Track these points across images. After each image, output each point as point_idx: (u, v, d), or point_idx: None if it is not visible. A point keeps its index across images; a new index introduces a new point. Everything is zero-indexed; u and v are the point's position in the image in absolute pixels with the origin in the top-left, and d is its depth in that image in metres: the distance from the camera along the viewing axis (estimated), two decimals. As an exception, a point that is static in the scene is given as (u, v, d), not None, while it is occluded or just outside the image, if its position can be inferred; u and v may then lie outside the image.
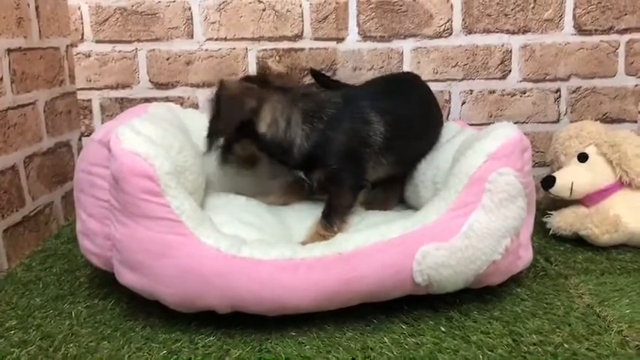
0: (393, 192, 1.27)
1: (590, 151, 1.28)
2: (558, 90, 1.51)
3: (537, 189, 1.09)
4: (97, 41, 1.47)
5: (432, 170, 1.14)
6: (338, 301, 0.90)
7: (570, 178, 1.26)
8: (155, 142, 0.91)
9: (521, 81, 1.51)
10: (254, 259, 0.87)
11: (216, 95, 1.07)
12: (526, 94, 1.51)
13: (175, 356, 0.84)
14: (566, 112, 1.53)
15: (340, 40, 1.48)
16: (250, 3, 1.46)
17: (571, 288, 1.04)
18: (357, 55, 1.49)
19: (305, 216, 1.15)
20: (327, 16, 1.47)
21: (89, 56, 1.48)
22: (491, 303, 0.98)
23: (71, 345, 0.87)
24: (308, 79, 1.42)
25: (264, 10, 1.46)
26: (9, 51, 1.18)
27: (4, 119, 1.16)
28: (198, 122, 1.27)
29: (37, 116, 1.29)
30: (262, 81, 1.12)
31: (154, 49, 1.48)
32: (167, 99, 1.48)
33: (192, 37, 1.47)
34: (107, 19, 1.46)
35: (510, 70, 1.50)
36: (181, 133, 1.06)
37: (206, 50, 1.48)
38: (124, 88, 1.50)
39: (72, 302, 1.01)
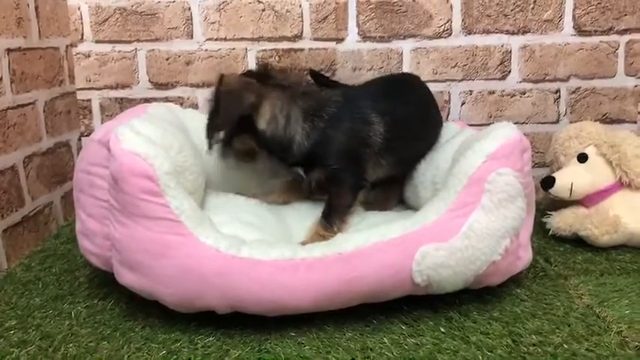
0: (392, 192, 1.27)
1: (590, 151, 1.28)
2: (558, 90, 1.52)
3: (537, 189, 1.09)
4: (97, 41, 1.47)
5: (432, 171, 1.14)
6: (338, 302, 0.90)
7: (570, 178, 1.26)
8: (155, 142, 0.91)
9: (520, 81, 1.51)
10: (254, 259, 0.87)
11: (216, 90, 1.07)
12: (526, 95, 1.51)
13: (175, 356, 0.84)
14: (566, 112, 1.53)
15: (340, 40, 1.48)
16: (250, 3, 1.46)
17: (571, 288, 1.04)
18: (356, 56, 1.49)
19: (305, 216, 1.15)
20: (326, 17, 1.47)
21: (89, 56, 1.48)
22: (490, 303, 0.98)
23: (71, 345, 0.87)
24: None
25: (263, 10, 1.46)
26: (9, 51, 1.18)
27: (4, 119, 1.16)
28: (198, 122, 1.26)
29: (37, 116, 1.29)
30: (263, 76, 1.12)
31: (153, 49, 1.48)
32: (167, 99, 1.48)
33: (191, 37, 1.47)
34: (107, 19, 1.46)
35: (510, 71, 1.50)
36: (181, 133, 1.06)
37: (206, 50, 1.48)
38: (124, 88, 1.50)
39: (71, 302, 1.01)
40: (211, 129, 1.07)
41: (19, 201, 1.21)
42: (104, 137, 0.92)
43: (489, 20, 1.47)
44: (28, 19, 1.26)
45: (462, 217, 0.91)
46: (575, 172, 1.27)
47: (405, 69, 1.49)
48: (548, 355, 0.83)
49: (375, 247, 0.89)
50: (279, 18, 1.47)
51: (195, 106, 1.49)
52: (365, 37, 1.48)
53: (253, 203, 1.20)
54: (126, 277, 0.90)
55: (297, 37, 1.48)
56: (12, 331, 0.91)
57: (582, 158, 1.28)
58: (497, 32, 1.48)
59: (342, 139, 1.08)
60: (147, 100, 1.48)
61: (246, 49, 1.48)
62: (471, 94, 1.52)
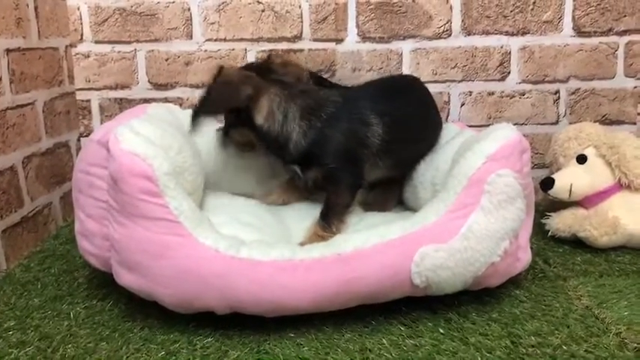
0: (391, 193, 1.27)
1: (589, 152, 1.28)
2: (557, 91, 1.52)
3: (536, 190, 1.09)
4: (96, 42, 1.47)
5: (431, 172, 1.14)
6: (337, 302, 0.90)
7: (569, 179, 1.26)
8: (154, 143, 0.91)
9: (520, 82, 1.51)
10: (253, 259, 0.87)
11: (214, 78, 1.07)
12: (525, 96, 1.51)
13: (174, 357, 0.84)
14: (566, 113, 1.53)
15: (339, 41, 1.48)
16: (250, 4, 1.46)
17: (570, 290, 1.04)
18: (356, 56, 1.49)
19: (304, 216, 1.15)
20: (326, 17, 1.47)
21: (88, 57, 1.48)
22: (489, 305, 0.98)
23: (69, 346, 0.87)
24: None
25: (263, 10, 1.46)
26: (8, 51, 1.17)
27: (3, 119, 1.15)
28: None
29: (36, 116, 1.29)
30: (264, 70, 1.12)
31: (153, 50, 1.48)
32: (166, 99, 1.48)
33: (191, 37, 1.47)
34: (106, 20, 1.46)
35: (509, 72, 1.50)
36: (180, 134, 1.06)
37: (205, 51, 1.48)
38: (123, 89, 1.50)
39: (70, 303, 1.01)
40: (199, 111, 1.05)
41: (19, 201, 1.21)
42: (103, 138, 0.92)
43: (489, 21, 1.47)
44: (27, 19, 1.26)
45: (461, 218, 0.91)
46: (574, 173, 1.27)
47: (405, 70, 1.49)
48: (547, 357, 0.83)
49: (374, 248, 0.89)
50: (279, 19, 1.47)
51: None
52: (364, 37, 1.48)
53: (252, 204, 1.20)
54: (125, 278, 0.90)
55: (297, 37, 1.48)
56: (11, 332, 0.91)
57: (581, 159, 1.28)
58: (496, 33, 1.48)
59: (339, 139, 1.08)
60: (146, 101, 1.48)
61: (245, 49, 1.48)
62: (470, 95, 1.52)
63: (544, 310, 0.96)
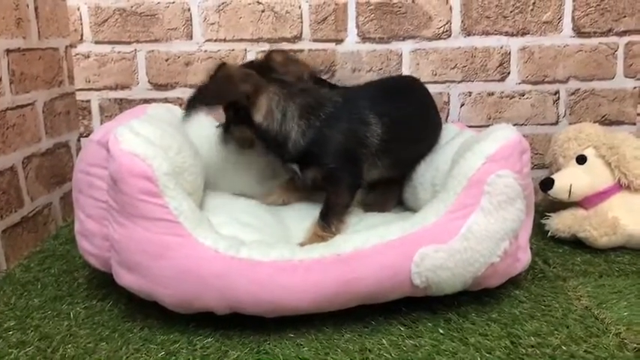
0: (391, 193, 1.27)
1: (589, 153, 1.28)
2: (557, 92, 1.52)
3: (536, 191, 1.09)
4: (97, 42, 1.47)
5: (431, 172, 1.14)
6: (336, 303, 0.90)
7: (569, 180, 1.26)
8: (154, 143, 0.91)
9: (520, 83, 1.51)
10: (252, 260, 0.87)
11: (215, 71, 1.07)
12: (525, 96, 1.52)
13: (173, 357, 0.84)
14: (565, 114, 1.53)
15: (339, 41, 1.48)
16: (249, 4, 1.46)
17: (569, 290, 1.04)
18: (356, 57, 1.49)
19: (304, 216, 1.15)
20: (326, 18, 1.47)
21: (88, 57, 1.48)
22: (489, 305, 0.98)
23: (69, 346, 0.87)
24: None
25: (263, 11, 1.46)
26: (8, 51, 1.17)
27: (3, 120, 1.16)
28: (198, 123, 1.27)
29: (36, 117, 1.29)
30: (264, 69, 1.12)
31: (153, 50, 1.48)
32: (166, 100, 1.48)
33: (191, 38, 1.47)
34: (106, 20, 1.46)
35: (509, 72, 1.50)
36: (180, 134, 1.06)
37: (205, 51, 1.48)
38: (123, 89, 1.50)
39: (70, 303, 1.01)
40: (195, 100, 1.04)
41: (19, 202, 1.21)
42: (103, 138, 0.92)
43: (489, 22, 1.47)
44: (27, 19, 1.26)
45: (461, 218, 0.91)
46: (574, 173, 1.27)
47: (405, 70, 1.50)
48: (547, 357, 0.83)
49: (374, 248, 0.89)
50: (279, 19, 1.47)
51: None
52: (364, 38, 1.48)
53: (252, 204, 1.20)
54: (125, 278, 0.90)
55: (297, 38, 1.48)
56: (11, 332, 0.91)
57: (581, 160, 1.28)
58: (496, 34, 1.48)
59: (338, 139, 1.08)
60: (146, 101, 1.48)
61: (245, 50, 1.48)
62: (470, 96, 1.52)
63: (544, 311, 0.97)
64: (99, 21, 1.46)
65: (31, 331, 0.92)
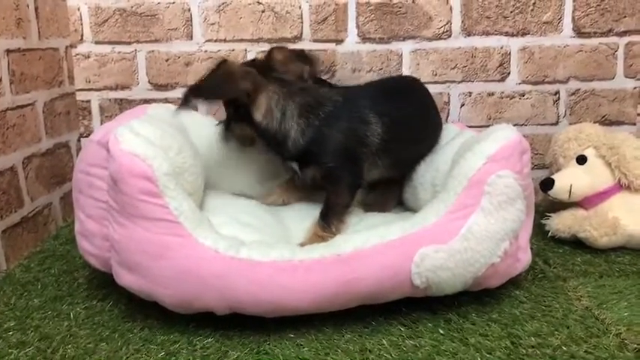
0: (391, 194, 1.27)
1: (589, 153, 1.28)
2: (557, 92, 1.52)
3: (536, 191, 1.09)
4: (97, 42, 1.47)
5: (431, 172, 1.14)
6: (336, 303, 0.90)
7: (569, 180, 1.26)
8: (154, 143, 0.91)
9: (520, 83, 1.51)
10: (252, 260, 0.87)
11: (215, 66, 1.07)
12: (525, 97, 1.51)
13: (174, 358, 0.84)
14: (565, 114, 1.53)
15: (339, 41, 1.48)
16: (250, 4, 1.46)
17: (569, 290, 1.04)
18: (356, 57, 1.49)
19: (304, 216, 1.15)
20: (326, 18, 1.47)
21: (88, 57, 1.48)
22: (489, 305, 0.98)
23: (69, 346, 0.87)
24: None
25: (263, 11, 1.46)
26: (8, 52, 1.17)
27: (3, 120, 1.16)
28: (198, 123, 1.27)
29: (36, 117, 1.29)
30: (265, 67, 1.12)
31: (153, 50, 1.48)
32: (166, 100, 1.48)
33: (191, 38, 1.47)
34: (106, 20, 1.46)
35: (509, 73, 1.50)
36: (180, 134, 1.06)
37: (205, 51, 1.48)
38: (123, 89, 1.50)
39: (70, 303, 1.01)
40: (193, 92, 1.04)
41: (19, 202, 1.21)
42: (103, 138, 0.92)
43: (489, 22, 1.47)
44: (27, 19, 1.26)
45: (461, 219, 0.91)
46: (574, 173, 1.27)
47: (405, 70, 1.50)
48: (547, 357, 0.83)
49: (374, 248, 0.89)
50: (279, 19, 1.47)
51: (194, 108, 1.49)
52: (364, 38, 1.48)
53: (252, 204, 1.20)
54: (125, 278, 0.90)
55: (297, 38, 1.48)
56: (11, 332, 0.91)
57: (581, 160, 1.28)
58: (496, 34, 1.48)
59: (338, 138, 1.08)
60: (146, 101, 1.48)
61: (245, 50, 1.48)
62: (470, 96, 1.52)
63: (544, 311, 0.96)
64: (99, 21, 1.46)
65: (31, 331, 0.92)
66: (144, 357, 0.84)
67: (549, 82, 1.51)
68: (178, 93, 1.50)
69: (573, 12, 1.47)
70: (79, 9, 1.45)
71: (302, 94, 1.10)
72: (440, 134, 1.24)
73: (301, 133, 1.08)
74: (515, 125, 1.00)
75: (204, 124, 1.29)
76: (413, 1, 1.46)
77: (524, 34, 1.48)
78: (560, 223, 1.25)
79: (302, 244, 1.00)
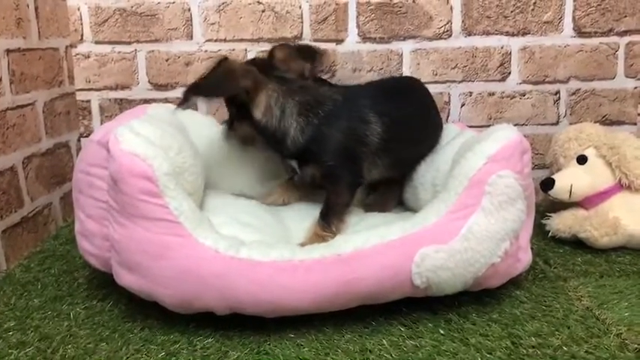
0: (392, 193, 1.27)
1: (590, 153, 1.28)
2: (558, 92, 1.51)
3: (536, 191, 1.09)
4: (97, 42, 1.47)
5: (432, 172, 1.14)
6: (337, 303, 0.90)
7: (569, 180, 1.26)
8: (154, 143, 0.91)
9: (520, 83, 1.51)
10: (253, 260, 0.87)
11: (217, 63, 1.07)
12: (525, 97, 1.51)
13: (174, 358, 0.84)
14: (566, 114, 1.53)
15: (340, 41, 1.48)
16: (250, 4, 1.46)
17: (570, 290, 1.04)
18: (356, 57, 1.49)
19: (304, 216, 1.15)
20: (326, 18, 1.47)
21: (88, 57, 1.48)
22: (490, 305, 0.98)
23: (69, 346, 0.87)
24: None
25: (263, 11, 1.46)
26: (8, 51, 1.17)
27: (3, 120, 1.15)
28: (198, 123, 1.27)
29: (36, 117, 1.29)
30: (266, 66, 1.12)
31: (153, 50, 1.48)
32: (166, 100, 1.48)
33: (191, 38, 1.47)
34: (106, 20, 1.46)
35: (510, 72, 1.50)
36: (180, 134, 1.06)
37: (205, 51, 1.48)
38: (124, 89, 1.50)
39: (70, 303, 1.01)
40: (191, 90, 1.04)
41: (19, 202, 1.20)
42: (103, 138, 0.92)
43: (489, 22, 1.47)
44: (27, 19, 1.26)
45: (461, 219, 0.91)
46: (574, 173, 1.27)
47: (405, 70, 1.49)
48: (548, 357, 0.83)
49: (375, 248, 0.89)
50: (279, 19, 1.47)
51: (194, 107, 1.49)
52: (365, 38, 1.48)
53: (252, 204, 1.20)
54: (125, 278, 0.90)
55: (297, 38, 1.48)
56: (11, 332, 0.91)
57: (582, 160, 1.28)
58: (497, 34, 1.48)
59: (338, 137, 1.08)
60: (146, 101, 1.48)
61: (245, 50, 1.48)
62: (470, 96, 1.51)
63: (544, 311, 0.96)
64: (99, 21, 1.46)
65: (31, 331, 0.92)
66: (144, 357, 0.84)
67: (550, 82, 1.51)
68: (178, 93, 1.49)
69: (574, 12, 1.47)
70: (79, 9, 1.45)
71: (302, 93, 1.10)
72: (440, 135, 1.24)
73: (300, 131, 1.08)
74: (515, 125, 1.00)
75: (204, 124, 1.29)
76: (413, 1, 1.46)
77: (524, 34, 1.48)
78: (561, 223, 1.25)
79: (302, 244, 1.00)
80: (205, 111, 1.47)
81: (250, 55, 1.48)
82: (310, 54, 1.17)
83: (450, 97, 1.51)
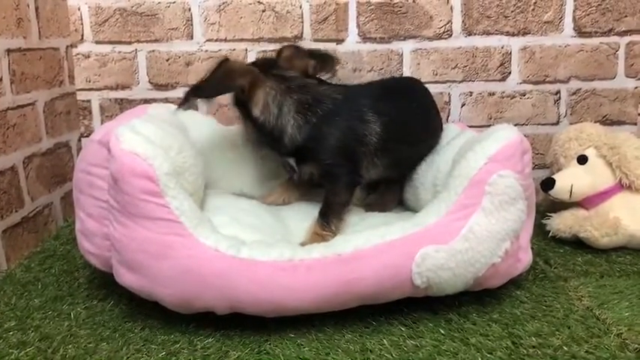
0: (392, 193, 1.27)
1: (590, 153, 1.28)
2: (558, 92, 1.51)
3: (537, 191, 1.09)
4: (97, 42, 1.47)
5: (432, 172, 1.14)
6: (337, 303, 0.90)
7: (570, 180, 1.26)
8: (154, 143, 0.91)
9: (520, 83, 1.51)
10: (253, 259, 0.87)
11: (218, 64, 1.08)
12: (526, 96, 1.51)
13: (174, 358, 0.84)
14: (566, 114, 1.53)
15: (340, 41, 1.48)
16: (250, 4, 1.46)
17: (570, 290, 1.04)
18: (356, 57, 1.49)
19: (304, 216, 1.15)
20: (326, 18, 1.47)
21: (89, 57, 1.48)
22: (490, 305, 0.98)
23: (70, 346, 0.87)
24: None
25: (264, 11, 1.46)
26: (9, 51, 1.17)
27: (4, 120, 1.15)
28: (198, 123, 1.27)
29: (37, 117, 1.29)
30: (268, 64, 1.13)
31: (153, 50, 1.48)
32: (167, 100, 1.48)
33: (191, 38, 1.47)
34: (107, 20, 1.46)
35: (510, 72, 1.50)
36: (181, 134, 1.06)
37: (206, 51, 1.48)
38: (124, 89, 1.50)
39: (71, 303, 1.01)
40: (191, 92, 1.05)
41: (19, 202, 1.20)
42: (104, 137, 0.92)
43: (489, 21, 1.47)
44: (28, 19, 1.26)
45: (462, 219, 0.91)
46: (575, 173, 1.27)
47: (405, 70, 1.49)
48: (548, 357, 0.83)
49: (375, 248, 0.89)
50: (280, 19, 1.47)
51: (195, 108, 1.49)
52: (365, 38, 1.48)
53: (253, 204, 1.20)
54: (125, 278, 0.90)
55: (298, 38, 1.48)
56: (11, 332, 0.91)
57: (582, 160, 1.28)
58: (497, 33, 1.48)
59: (336, 135, 1.08)
60: (147, 101, 1.48)
61: (246, 49, 1.48)
62: (471, 96, 1.51)
63: (545, 311, 0.96)
64: (99, 21, 1.46)
65: (32, 331, 0.92)
66: (144, 357, 0.84)
67: (550, 82, 1.51)
68: (179, 93, 1.50)
69: (574, 11, 1.47)
70: (79, 9, 1.45)
71: (301, 91, 1.10)
72: (440, 135, 1.24)
73: (298, 129, 1.08)
74: (515, 125, 1.00)
75: (204, 124, 1.29)
76: (413, 1, 1.46)
77: (524, 34, 1.48)
78: (561, 223, 1.25)
79: (302, 244, 1.00)
80: (205, 111, 1.47)
81: (251, 55, 1.48)
82: (323, 59, 1.18)
83: (450, 97, 1.51)
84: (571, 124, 1.50)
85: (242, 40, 1.48)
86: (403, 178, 1.23)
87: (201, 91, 1.06)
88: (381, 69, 1.49)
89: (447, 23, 1.47)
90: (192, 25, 1.47)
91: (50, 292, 1.05)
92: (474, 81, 1.51)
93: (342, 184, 1.10)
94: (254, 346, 0.87)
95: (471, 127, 1.32)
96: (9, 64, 1.17)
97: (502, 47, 1.49)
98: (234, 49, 1.48)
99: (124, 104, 1.50)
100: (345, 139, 1.08)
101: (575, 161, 1.29)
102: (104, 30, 1.47)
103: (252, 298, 0.87)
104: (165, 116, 1.12)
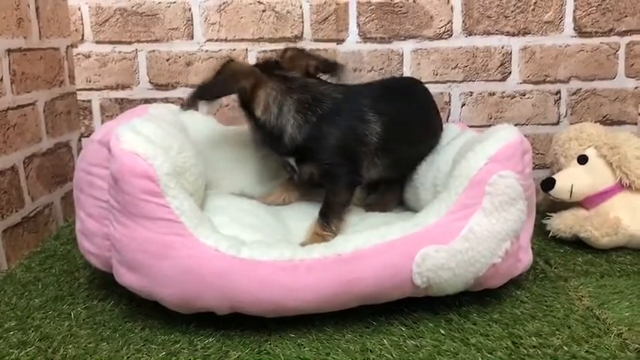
0: (392, 193, 1.27)
1: (590, 153, 1.28)
2: (558, 92, 1.52)
3: (537, 191, 1.09)
4: (97, 42, 1.47)
5: (433, 172, 1.14)
6: (337, 303, 0.90)
7: (570, 180, 1.26)
8: (155, 143, 0.91)
9: (521, 83, 1.51)
10: (253, 259, 0.87)
11: (221, 66, 1.09)
12: (526, 96, 1.51)
13: (174, 358, 0.84)
14: (566, 114, 1.53)
15: (340, 41, 1.48)
16: (250, 4, 1.46)
17: (571, 290, 1.04)
18: (357, 57, 1.49)
19: (304, 216, 1.15)
20: (327, 18, 1.47)
21: (89, 57, 1.48)
22: (490, 305, 0.98)
23: (70, 346, 0.87)
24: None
25: (264, 11, 1.46)
26: (9, 51, 1.17)
27: (4, 120, 1.16)
28: (199, 123, 1.27)
29: (37, 117, 1.29)
30: (270, 65, 1.13)
31: (154, 50, 1.48)
32: (167, 100, 1.48)
33: (192, 38, 1.47)
34: (107, 20, 1.46)
35: (510, 72, 1.50)
36: (181, 134, 1.06)
37: (206, 51, 1.48)
38: (124, 89, 1.50)
39: (71, 303, 1.01)
40: (195, 94, 1.07)
41: (19, 202, 1.21)
42: (104, 137, 0.92)
43: (490, 21, 1.47)
44: (28, 19, 1.26)
45: (462, 219, 0.91)
46: (575, 173, 1.27)
47: (406, 70, 1.49)
48: (548, 357, 0.83)
49: (375, 248, 0.89)
50: (280, 19, 1.47)
51: (195, 108, 1.49)
52: (365, 38, 1.48)
53: (253, 204, 1.20)
54: (125, 278, 0.90)
55: (298, 38, 1.48)
56: (11, 332, 0.91)
57: (582, 160, 1.28)
58: (497, 33, 1.48)
59: (336, 135, 1.08)
60: (147, 101, 1.48)
61: (246, 49, 1.48)
62: (471, 96, 1.51)
63: (545, 311, 0.96)
64: (100, 21, 1.46)
65: (32, 331, 0.92)
66: (145, 357, 0.84)
67: (550, 82, 1.51)
68: (179, 93, 1.50)
69: (574, 11, 1.47)
70: (79, 9, 1.45)
71: (301, 91, 1.10)
72: (440, 136, 1.24)
73: (298, 129, 1.08)
74: (516, 125, 1.00)
75: (204, 124, 1.29)
76: (414, 1, 1.46)
77: (525, 34, 1.48)
78: (562, 223, 1.25)
79: (303, 244, 1.00)
80: (206, 111, 1.47)
81: (251, 55, 1.48)
82: (330, 66, 1.18)
83: (450, 97, 1.51)
84: (571, 124, 1.50)
85: (242, 40, 1.48)
86: (403, 178, 1.23)
87: (205, 93, 1.07)
88: (382, 69, 1.49)
89: (448, 23, 1.47)
90: (192, 25, 1.47)
91: (50, 292, 1.05)
92: (474, 81, 1.51)
93: (342, 184, 1.10)
94: (254, 346, 0.87)
95: (471, 127, 1.32)
96: (9, 64, 1.17)
97: (502, 47, 1.49)
98: (234, 49, 1.48)
99: (124, 104, 1.50)
100: (345, 139, 1.09)
101: (576, 161, 1.29)
102: (104, 30, 1.47)
103: (253, 298, 0.87)
104: (165, 116, 1.12)
